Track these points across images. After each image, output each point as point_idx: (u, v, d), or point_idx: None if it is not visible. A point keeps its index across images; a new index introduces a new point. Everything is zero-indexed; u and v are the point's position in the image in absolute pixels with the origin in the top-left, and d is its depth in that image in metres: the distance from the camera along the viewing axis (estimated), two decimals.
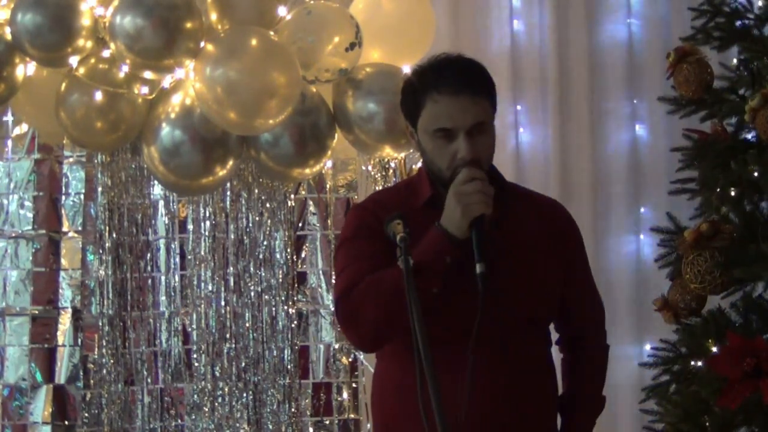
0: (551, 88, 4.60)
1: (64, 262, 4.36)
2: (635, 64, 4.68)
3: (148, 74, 3.54)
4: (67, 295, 4.34)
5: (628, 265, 4.57)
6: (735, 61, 3.39)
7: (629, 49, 4.68)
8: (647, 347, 4.25)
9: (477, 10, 4.64)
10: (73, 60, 3.58)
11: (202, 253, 4.11)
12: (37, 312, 4.32)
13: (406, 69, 3.57)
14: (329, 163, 4.10)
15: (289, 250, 4.15)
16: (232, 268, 4.10)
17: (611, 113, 4.66)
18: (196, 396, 4.07)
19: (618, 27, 4.69)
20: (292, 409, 4.10)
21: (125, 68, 3.52)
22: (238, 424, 4.05)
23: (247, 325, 4.09)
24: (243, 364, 4.07)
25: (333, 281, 4.23)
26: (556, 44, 4.61)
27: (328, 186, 4.32)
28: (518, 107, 4.62)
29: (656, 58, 4.47)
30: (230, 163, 3.69)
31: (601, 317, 2.67)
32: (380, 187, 3.86)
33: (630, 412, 4.21)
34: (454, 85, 2.38)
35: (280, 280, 4.12)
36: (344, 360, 4.26)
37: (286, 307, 4.12)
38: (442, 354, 2.18)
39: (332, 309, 4.26)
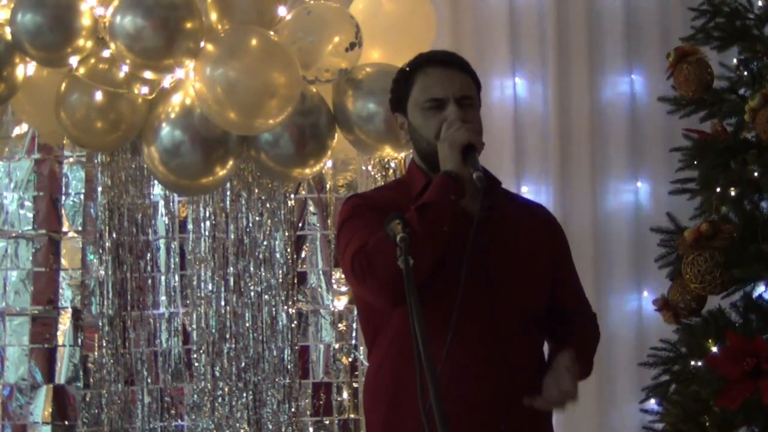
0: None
1: (64, 262, 4.35)
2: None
3: (148, 74, 3.54)
4: (67, 295, 4.33)
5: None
6: (735, 61, 3.39)
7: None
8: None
9: (477, 10, 4.64)
10: (73, 60, 3.58)
11: (202, 253, 4.11)
12: (37, 312, 4.32)
13: None
14: (329, 163, 4.10)
15: (289, 250, 4.14)
16: (232, 268, 4.10)
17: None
18: (196, 396, 4.07)
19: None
20: (292, 409, 4.10)
21: (125, 68, 3.52)
22: (238, 424, 4.05)
23: (247, 325, 4.09)
24: (243, 364, 4.07)
25: (332, 281, 4.25)
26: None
27: (328, 186, 4.32)
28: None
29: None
30: (230, 163, 3.69)
31: (592, 313, 2.66)
32: None
33: None
34: (443, 59, 2.51)
35: (280, 280, 4.12)
36: (344, 360, 4.25)
37: (286, 307, 4.12)
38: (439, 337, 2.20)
39: (332, 309, 4.26)
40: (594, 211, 4.57)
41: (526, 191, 4.57)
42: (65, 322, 4.32)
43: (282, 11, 3.64)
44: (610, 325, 4.49)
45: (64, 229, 4.37)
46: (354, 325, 4.21)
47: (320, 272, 4.31)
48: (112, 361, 4.05)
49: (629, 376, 4.43)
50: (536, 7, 4.63)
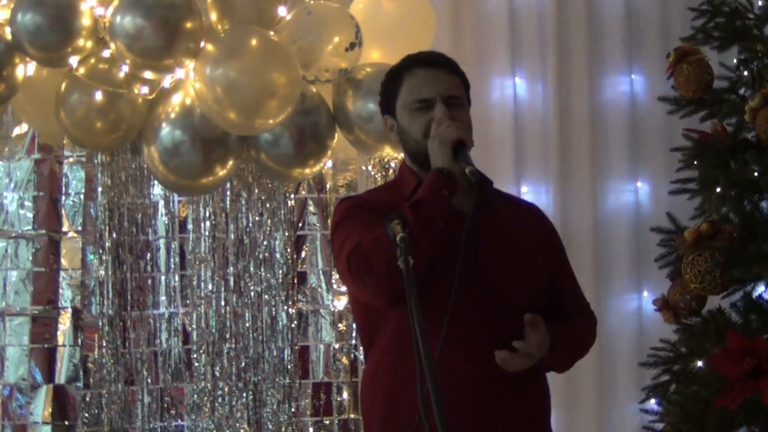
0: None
1: (64, 262, 4.35)
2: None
3: (148, 74, 3.54)
4: (67, 295, 4.33)
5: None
6: (735, 61, 3.39)
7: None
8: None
9: (477, 10, 4.63)
10: (73, 60, 3.58)
11: (202, 253, 4.11)
12: (37, 312, 4.32)
13: None
14: (329, 163, 4.10)
15: (289, 250, 4.14)
16: (232, 268, 4.10)
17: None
18: (196, 396, 4.07)
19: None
20: (292, 409, 4.10)
21: (125, 68, 3.52)
22: (238, 424, 4.05)
23: (247, 325, 4.09)
24: (243, 364, 4.07)
25: (332, 281, 4.25)
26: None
27: (328, 186, 4.32)
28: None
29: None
30: (230, 163, 3.70)
31: (590, 311, 2.66)
32: None
33: None
34: (430, 60, 2.52)
35: (280, 280, 4.12)
36: (344, 360, 4.25)
37: (286, 307, 4.12)
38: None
39: (332, 309, 4.26)
40: (594, 211, 4.56)
41: (526, 191, 4.57)
42: (65, 322, 4.32)
43: (282, 11, 3.64)
44: (610, 325, 4.49)
45: (64, 229, 4.37)
46: (354, 325, 4.20)
47: (320, 272, 4.31)
48: (112, 361, 4.05)
49: (629, 376, 4.43)
50: (536, 7, 4.64)
